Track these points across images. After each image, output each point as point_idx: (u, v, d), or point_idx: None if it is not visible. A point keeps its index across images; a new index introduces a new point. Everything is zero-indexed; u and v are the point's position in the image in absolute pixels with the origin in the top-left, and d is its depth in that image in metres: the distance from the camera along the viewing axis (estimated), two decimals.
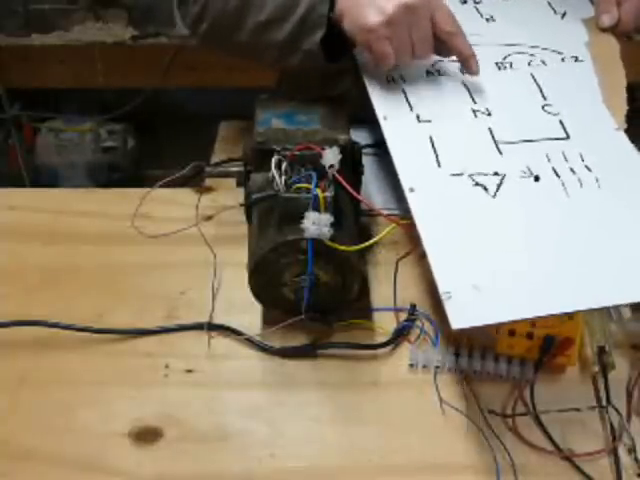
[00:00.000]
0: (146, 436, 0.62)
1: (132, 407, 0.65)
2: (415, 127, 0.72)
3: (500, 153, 0.69)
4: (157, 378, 0.67)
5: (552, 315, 0.58)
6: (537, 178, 0.66)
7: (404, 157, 0.69)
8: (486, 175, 0.66)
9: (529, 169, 0.67)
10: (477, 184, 0.66)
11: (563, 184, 0.66)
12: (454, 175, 0.66)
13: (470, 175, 0.66)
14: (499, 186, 0.65)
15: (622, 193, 0.65)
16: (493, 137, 0.70)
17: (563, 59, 0.79)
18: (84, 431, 0.63)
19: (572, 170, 0.67)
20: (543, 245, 0.61)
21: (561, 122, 0.72)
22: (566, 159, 0.68)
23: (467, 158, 0.68)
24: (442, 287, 0.57)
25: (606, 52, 0.79)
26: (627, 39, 0.82)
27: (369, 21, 0.70)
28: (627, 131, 0.71)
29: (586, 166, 0.67)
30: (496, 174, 0.66)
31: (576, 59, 0.79)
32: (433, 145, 0.69)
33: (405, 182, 0.66)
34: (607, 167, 0.67)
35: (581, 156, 0.68)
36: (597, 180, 0.66)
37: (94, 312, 0.73)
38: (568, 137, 0.70)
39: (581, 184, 0.66)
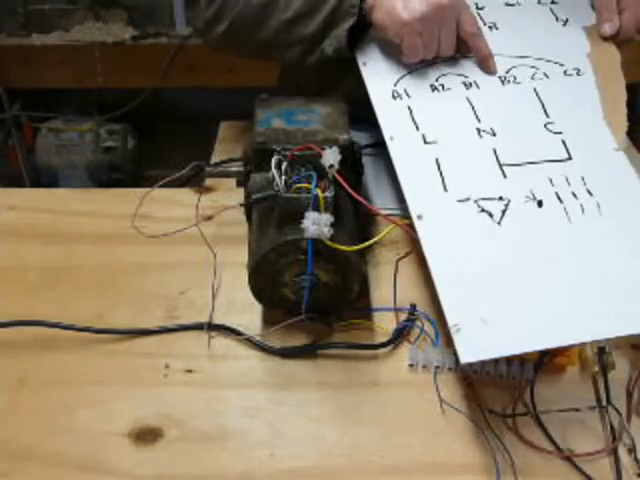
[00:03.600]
0: (146, 436, 0.62)
1: (132, 407, 0.65)
2: (421, 149, 0.72)
3: (504, 176, 0.69)
4: (157, 378, 0.67)
5: (559, 347, 0.59)
6: (540, 203, 0.66)
7: (412, 182, 0.69)
8: (491, 200, 0.67)
9: (532, 193, 0.67)
10: (483, 210, 0.66)
11: (565, 209, 0.66)
12: (460, 201, 0.67)
13: (475, 201, 0.67)
14: (504, 212, 0.66)
15: (622, 219, 0.66)
16: (497, 159, 0.70)
17: (565, 72, 0.79)
18: (84, 431, 0.63)
19: (574, 195, 0.67)
20: (547, 274, 0.62)
21: (563, 142, 0.72)
22: (568, 183, 0.68)
23: (472, 182, 0.69)
24: (451, 320, 0.58)
25: (607, 63, 0.79)
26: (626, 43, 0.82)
27: (405, 15, 0.75)
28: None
29: (588, 190, 0.67)
30: (501, 199, 0.67)
31: (578, 72, 0.79)
32: (439, 168, 0.70)
33: (413, 209, 0.67)
34: (607, 191, 0.67)
35: (583, 179, 0.68)
36: (598, 206, 0.66)
37: (94, 312, 0.73)
38: (570, 158, 0.70)
39: (583, 210, 0.66)
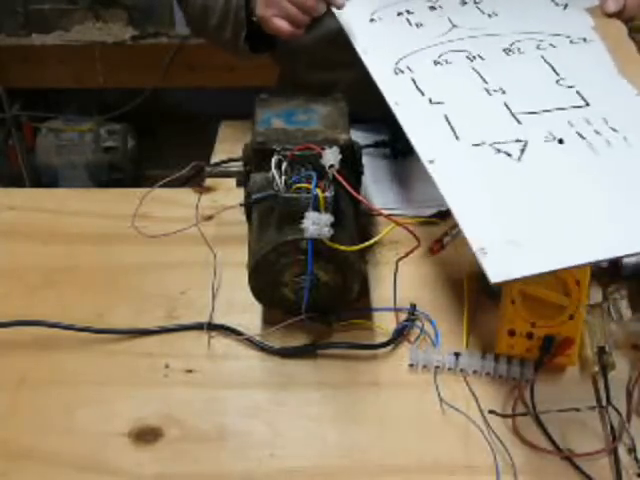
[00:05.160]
0: (146, 436, 0.62)
1: (132, 407, 0.65)
2: (428, 109, 0.70)
3: (519, 122, 0.67)
4: (157, 378, 0.67)
5: (587, 264, 0.57)
6: (561, 141, 0.64)
7: (420, 133, 0.67)
8: (507, 143, 0.65)
9: (551, 134, 0.65)
10: (499, 151, 0.64)
11: (590, 144, 0.64)
12: (475, 145, 0.65)
13: (491, 144, 0.65)
14: (523, 151, 0.64)
15: None
16: (510, 110, 0.68)
17: (571, 41, 0.78)
18: (84, 431, 0.63)
19: (597, 132, 0.65)
20: (573, 198, 0.60)
21: (578, 92, 0.70)
22: (589, 123, 0.66)
23: (485, 129, 0.66)
24: (476, 244, 0.56)
25: (614, 33, 0.78)
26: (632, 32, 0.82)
27: (257, 13, 0.85)
28: None
29: (612, 128, 0.65)
30: (518, 141, 0.65)
31: (584, 40, 0.78)
32: (449, 122, 0.68)
33: (423, 155, 0.64)
34: (634, 128, 0.65)
35: (605, 120, 0.66)
36: (625, 139, 0.64)
37: (94, 312, 0.73)
38: (588, 105, 0.68)
39: (609, 143, 0.64)
